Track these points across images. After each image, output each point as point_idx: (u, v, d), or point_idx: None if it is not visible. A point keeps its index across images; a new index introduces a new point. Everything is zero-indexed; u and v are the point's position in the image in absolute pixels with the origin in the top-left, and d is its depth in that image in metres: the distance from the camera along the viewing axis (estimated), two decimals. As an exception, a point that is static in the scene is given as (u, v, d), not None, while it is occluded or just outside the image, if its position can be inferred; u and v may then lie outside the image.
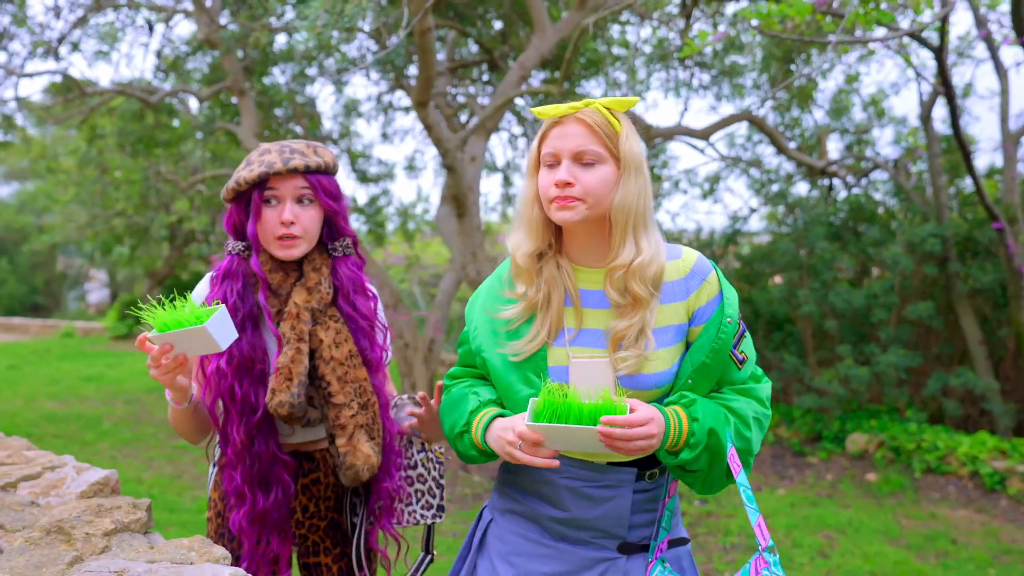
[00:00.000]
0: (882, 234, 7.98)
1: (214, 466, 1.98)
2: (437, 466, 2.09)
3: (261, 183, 1.80)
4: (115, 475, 1.68)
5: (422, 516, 2.06)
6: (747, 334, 1.67)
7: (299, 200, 1.83)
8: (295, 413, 1.81)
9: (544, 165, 1.62)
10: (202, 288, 1.90)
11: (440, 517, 2.08)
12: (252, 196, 1.81)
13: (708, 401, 1.59)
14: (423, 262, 16.19)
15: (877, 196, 9.02)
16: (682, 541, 1.74)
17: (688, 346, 1.64)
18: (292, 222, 1.80)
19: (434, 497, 2.08)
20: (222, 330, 1.58)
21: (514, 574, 1.68)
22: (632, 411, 1.46)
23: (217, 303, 1.78)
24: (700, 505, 6.01)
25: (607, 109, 1.60)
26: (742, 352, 1.64)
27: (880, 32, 5.57)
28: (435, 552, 2.06)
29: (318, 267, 1.89)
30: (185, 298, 1.66)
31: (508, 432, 1.56)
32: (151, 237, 13.89)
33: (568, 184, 1.55)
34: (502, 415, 1.65)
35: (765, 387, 1.69)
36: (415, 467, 2.07)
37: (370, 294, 2.02)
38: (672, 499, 1.70)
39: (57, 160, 13.71)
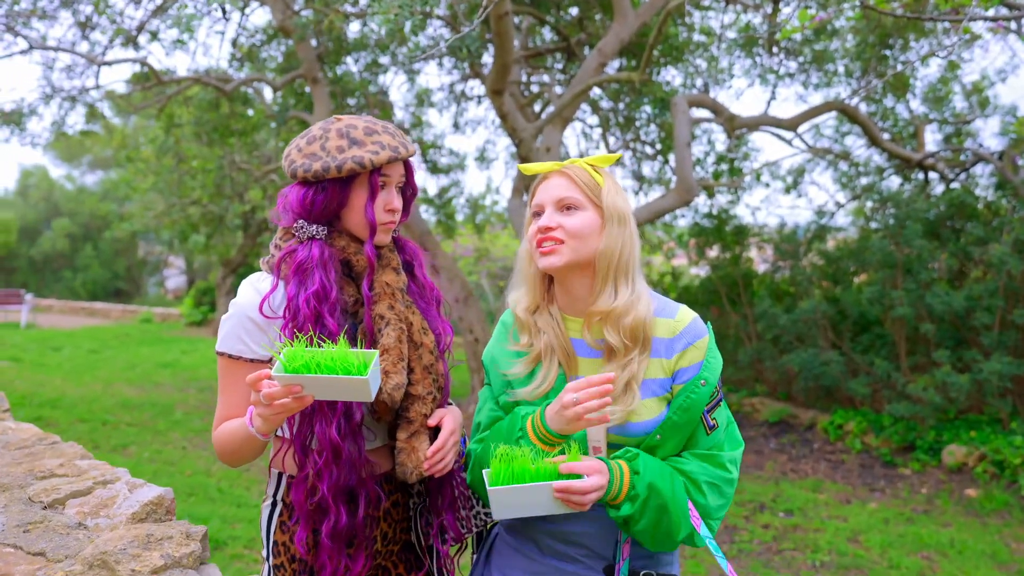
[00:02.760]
0: (985, 232, 7.44)
1: (273, 505, 1.75)
2: None
3: (379, 167, 1.67)
4: (170, 494, 1.49)
5: (487, 516, 1.92)
6: (723, 403, 1.71)
7: (397, 185, 1.75)
8: (398, 401, 1.66)
9: (533, 216, 1.73)
10: (253, 291, 1.67)
11: None
12: (372, 178, 1.67)
13: (652, 460, 1.62)
14: (492, 254, 16.02)
15: (978, 191, 8.45)
16: None
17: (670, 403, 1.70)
18: (398, 209, 1.73)
19: None
20: (376, 377, 1.46)
21: None
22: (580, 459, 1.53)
23: (342, 341, 1.55)
24: (785, 518, 5.67)
25: (591, 166, 1.72)
26: (714, 419, 1.69)
27: (996, 11, 5.11)
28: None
29: (392, 248, 1.78)
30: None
31: (560, 402, 1.57)
32: (226, 226, 14.04)
33: (550, 228, 1.66)
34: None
35: (733, 452, 1.71)
36: (463, 468, 1.92)
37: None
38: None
39: (137, 149, 13.97)
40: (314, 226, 1.68)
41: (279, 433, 1.71)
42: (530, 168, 1.74)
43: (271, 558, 1.72)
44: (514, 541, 1.79)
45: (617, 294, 1.66)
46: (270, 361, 1.65)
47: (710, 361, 1.69)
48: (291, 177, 1.69)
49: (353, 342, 1.67)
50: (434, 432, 1.75)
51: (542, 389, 1.72)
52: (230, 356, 1.65)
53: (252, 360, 1.65)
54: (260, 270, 1.75)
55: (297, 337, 1.53)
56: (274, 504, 1.74)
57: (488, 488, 1.49)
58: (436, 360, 1.76)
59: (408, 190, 1.80)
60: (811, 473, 6.83)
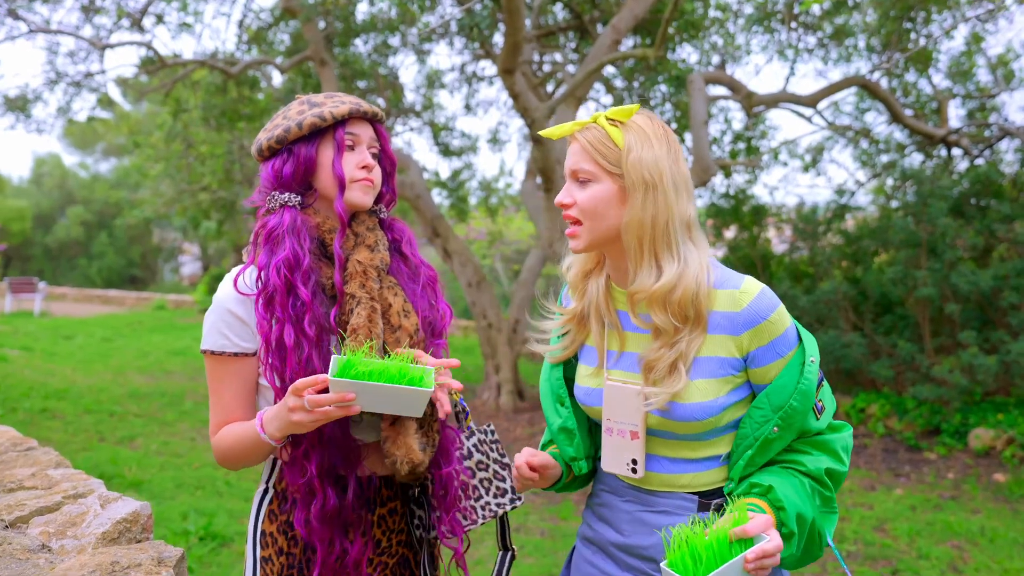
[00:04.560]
0: (1012, 209, 7.21)
1: (265, 491, 1.67)
2: (494, 445, 1.83)
3: (343, 123, 1.62)
4: (146, 509, 1.36)
5: (499, 506, 1.79)
6: (825, 382, 1.54)
7: (370, 150, 1.67)
8: None
9: None
10: (231, 281, 1.58)
11: (519, 500, 1.82)
12: (337, 134, 1.61)
13: (782, 479, 1.47)
14: (506, 238, 15.86)
15: (1002, 167, 8.20)
16: None
17: (749, 388, 1.52)
18: (372, 167, 1.65)
19: (503, 480, 1.81)
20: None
21: None
22: (751, 519, 1.33)
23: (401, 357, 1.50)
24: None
25: (611, 122, 1.50)
26: (820, 400, 1.52)
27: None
28: (515, 548, 1.81)
29: (372, 227, 1.67)
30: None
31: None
32: (237, 212, 13.93)
33: (564, 206, 1.52)
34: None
35: (842, 437, 1.55)
36: (470, 455, 1.80)
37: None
38: None
39: (147, 135, 13.85)
40: (286, 194, 1.61)
41: None
42: (550, 132, 1.57)
43: (258, 549, 1.62)
44: (590, 555, 1.66)
45: (662, 270, 1.46)
46: (255, 354, 1.58)
47: (805, 337, 1.51)
48: (258, 156, 1.65)
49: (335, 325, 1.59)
50: (419, 422, 1.62)
51: (558, 357, 1.65)
52: (214, 352, 1.57)
53: (236, 354, 1.57)
54: None
55: (358, 342, 1.50)
56: (265, 491, 1.66)
57: None
58: (419, 346, 1.64)
59: (386, 161, 1.72)
60: (833, 459, 6.66)
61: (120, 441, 6.57)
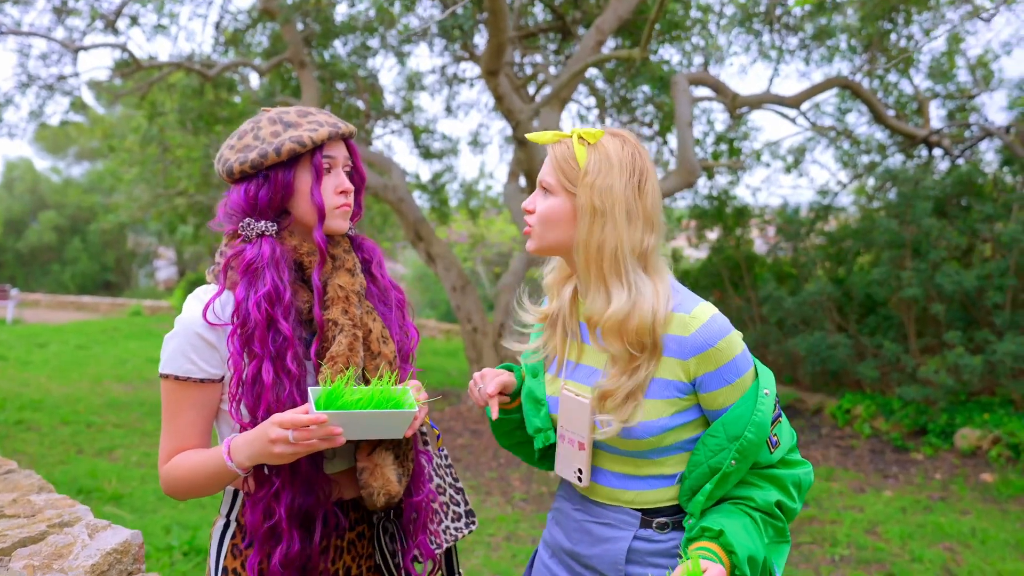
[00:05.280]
0: (994, 209, 7.24)
1: (226, 525, 1.59)
2: (448, 469, 1.83)
3: (320, 146, 1.53)
4: (138, 538, 1.27)
5: (456, 530, 1.80)
6: (784, 419, 1.56)
7: (344, 169, 1.60)
8: None
9: None
10: (199, 304, 1.49)
11: (474, 524, 1.83)
12: (315, 159, 1.53)
13: (732, 519, 1.46)
14: (487, 240, 15.80)
15: (984, 167, 8.25)
16: None
17: (697, 412, 1.53)
18: (350, 191, 1.59)
19: (458, 505, 1.82)
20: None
21: None
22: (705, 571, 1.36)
23: (386, 380, 1.49)
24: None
25: (581, 140, 1.52)
26: (776, 435, 1.53)
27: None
28: (461, 572, 1.83)
29: (348, 249, 1.61)
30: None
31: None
32: (214, 215, 13.77)
33: (527, 211, 1.57)
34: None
35: (795, 473, 1.53)
36: (430, 479, 1.77)
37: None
38: None
39: (122, 139, 13.63)
40: (262, 222, 1.52)
41: None
42: (535, 137, 1.59)
43: None
44: (548, 558, 1.70)
45: (611, 297, 1.47)
46: (221, 380, 1.50)
47: (761, 369, 1.53)
48: (227, 177, 1.55)
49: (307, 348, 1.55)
50: (397, 446, 1.57)
51: (532, 358, 1.68)
52: (177, 378, 1.47)
53: (202, 380, 1.48)
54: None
55: (336, 370, 1.46)
56: (227, 525, 1.57)
57: None
58: (394, 372, 1.59)
59: (356, 178, 1.65)
60: (822, 460, 6.65)
61: (99, 453, 6.41)
